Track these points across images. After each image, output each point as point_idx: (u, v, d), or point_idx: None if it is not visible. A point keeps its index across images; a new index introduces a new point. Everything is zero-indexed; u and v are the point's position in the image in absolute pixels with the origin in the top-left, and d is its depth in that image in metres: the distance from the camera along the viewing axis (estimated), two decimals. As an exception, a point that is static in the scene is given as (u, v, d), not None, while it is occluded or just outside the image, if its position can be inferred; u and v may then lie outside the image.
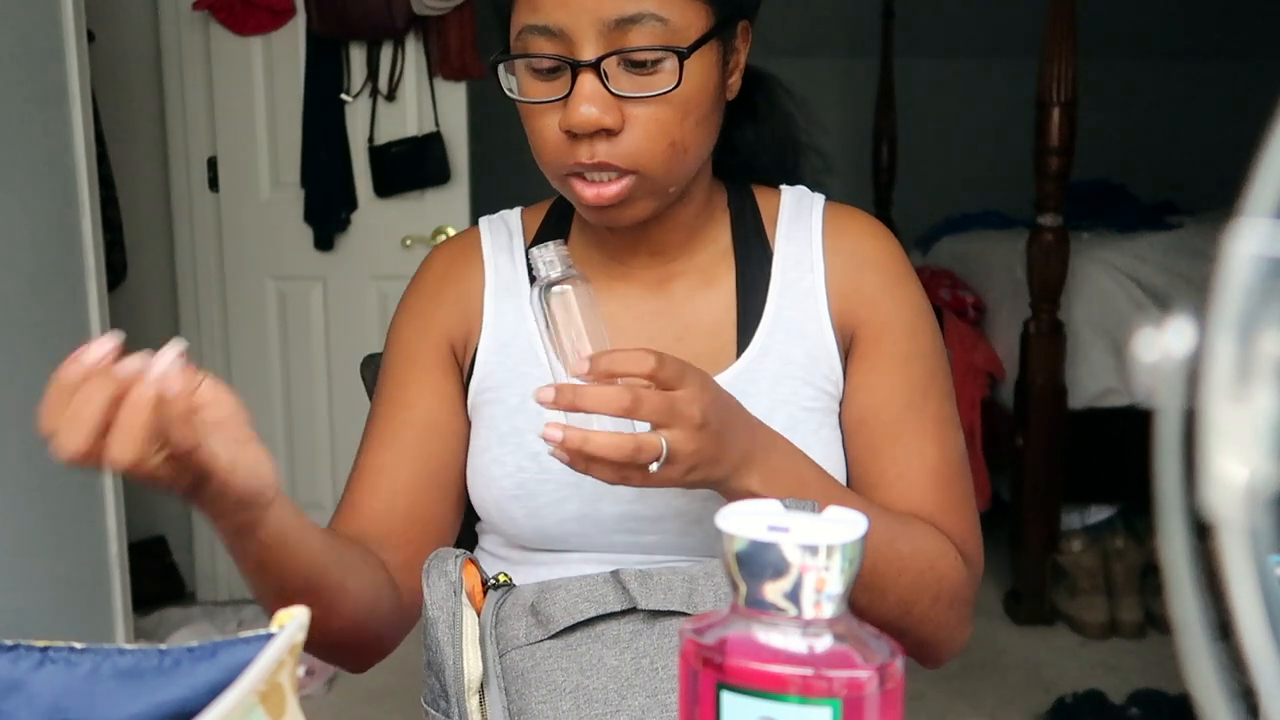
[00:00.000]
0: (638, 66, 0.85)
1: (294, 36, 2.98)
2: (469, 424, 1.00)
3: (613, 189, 0.87)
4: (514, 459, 0.95)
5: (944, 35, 4.49)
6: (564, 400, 0.76)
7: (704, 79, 0.88)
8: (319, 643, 0.86)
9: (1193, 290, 3.00)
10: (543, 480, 0.94)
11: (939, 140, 4.58)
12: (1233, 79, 4.50)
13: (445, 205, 3.03)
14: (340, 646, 0.94)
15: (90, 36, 2.35)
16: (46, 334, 2.00)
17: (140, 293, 3.13)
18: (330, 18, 2.89)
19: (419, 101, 2.99)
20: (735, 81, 0.95)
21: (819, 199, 1.02)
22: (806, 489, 0.85)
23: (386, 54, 2.97)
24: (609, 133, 0.85)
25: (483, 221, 1.05)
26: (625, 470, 0.77)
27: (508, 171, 4.20)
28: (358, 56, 2.98)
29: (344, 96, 2.98)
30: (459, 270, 1.03)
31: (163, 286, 3.19)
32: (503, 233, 1.04)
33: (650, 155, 0.87)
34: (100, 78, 2.70)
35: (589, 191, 0.87)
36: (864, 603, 0.87)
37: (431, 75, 2.97)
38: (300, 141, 3.02)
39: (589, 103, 0.84)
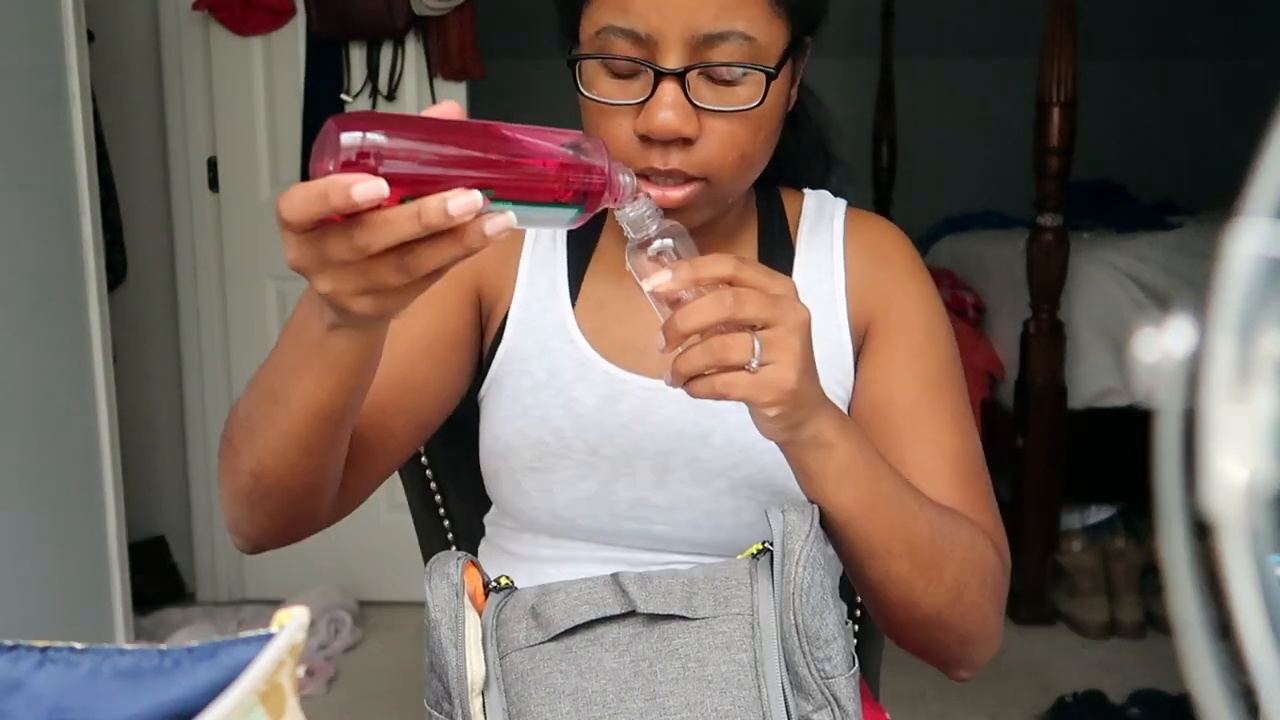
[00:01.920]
0: (718, 80, 0.86)
1: (294, 36, 2.98)
2: (462, 364, 0.99)
3: (679, 193, 0.87)
4: (536, 432, 0.96)
5: (944, 35, 4.49)
6: (672, 335, 0.75)
7: (779, 97, 0.90)
8: (299, 484, 0.82)
9: (1193, 290, 3.00)
10: (560, 456, 0.95)
11: (939, 140, 4.58)
12: (1233, 79, 4.49)
13: (445, 205, 3.03)
14: (300, 498, 0.85)
15: (90, 36, 2.36)
16: (46, 334, 2.00)
17: (140, 293, 3.13)
18: (330, 18, 2.89)
19: (419, 101, 2.99)
20: (794, 93, 0.96)
21: (840, 204, 1.04)
22: (867, 447, 0.84)
23: (386, 54, 2.97)
24: (685, 141, 0.86)
25: None
26: (728, 376, 0.74)
27: (508, 171, 4.19)
28: (358, 56, 2.98)
29: (344, 96, 2.98)
30: None
31: (163, 286, 3.19)
32: None
33: (721, 166, 0.87)
34: (100, 78, 2.70)
35: (654, 193, 0.86)
36: (921, 585, 0.85)
37: (431, 75, 2.97)
38: (300, 141, 3.01)
39: (671, 110, 0.84)
